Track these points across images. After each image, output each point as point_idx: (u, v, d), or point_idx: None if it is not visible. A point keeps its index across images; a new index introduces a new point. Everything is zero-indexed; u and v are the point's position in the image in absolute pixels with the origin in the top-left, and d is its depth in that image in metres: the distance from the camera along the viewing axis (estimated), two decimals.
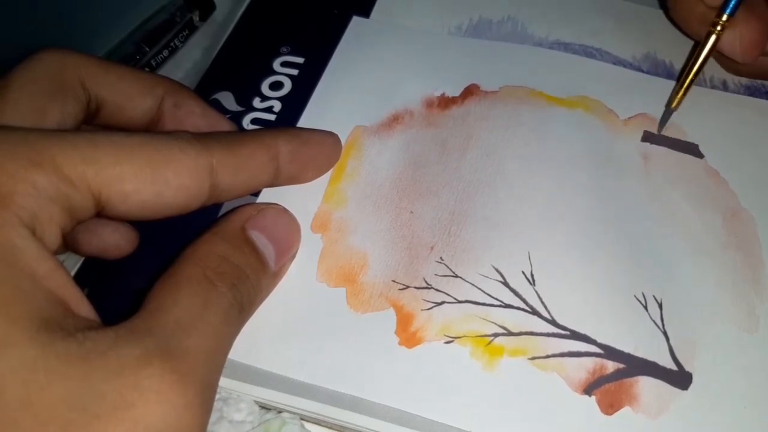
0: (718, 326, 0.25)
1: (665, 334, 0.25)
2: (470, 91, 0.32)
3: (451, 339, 0.25)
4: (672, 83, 0.31)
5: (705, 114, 0.31)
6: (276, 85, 0.33)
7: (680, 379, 0.24)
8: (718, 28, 0.28)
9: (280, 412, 0.24)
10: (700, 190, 0.28)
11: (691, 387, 0.24)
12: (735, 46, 0.28)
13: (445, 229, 0.27)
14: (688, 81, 0.28)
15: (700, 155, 0.29)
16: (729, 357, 0.24)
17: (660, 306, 0.25)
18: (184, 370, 0.18)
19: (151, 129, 0.27)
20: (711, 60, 0.31)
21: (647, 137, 0.30)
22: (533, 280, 0.26)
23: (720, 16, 0.27)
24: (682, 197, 0.28)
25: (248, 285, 0.22)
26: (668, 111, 0.30)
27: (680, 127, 0.30)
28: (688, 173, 0.29)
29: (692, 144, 0.30)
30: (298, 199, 0.28)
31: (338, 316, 0.25)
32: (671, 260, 0.26)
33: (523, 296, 0.26)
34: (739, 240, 0.27)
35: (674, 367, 0.24)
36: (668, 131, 0.30)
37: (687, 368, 0.24)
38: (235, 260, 0.22)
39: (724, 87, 0.32)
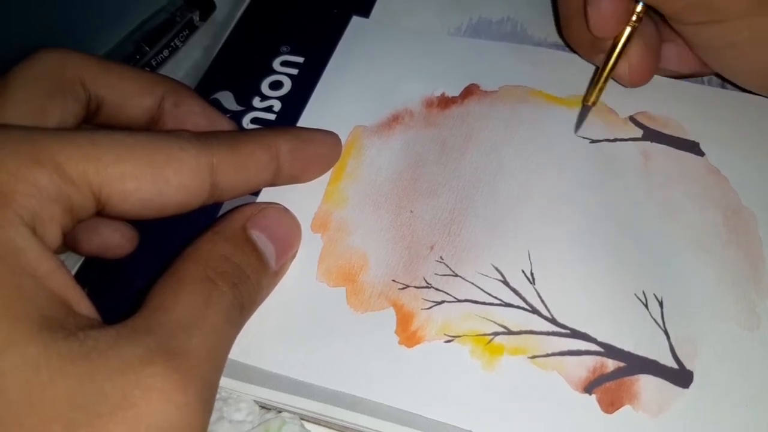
0: (719, 324, 0.25)
1: (666, 332, 0.25)
2: (470, 91, 0.32)
3: (451, 338, 0.25)
4: (673, 82, 0.31)
5: (705, 112, 0.31)
6: (276, 85, 0.33)
7: (681, 377, 0.24)
8: (633, 18, 0.27)
9: (280, 411, 0.24)
10: (700, 188, 0.28)
11: (692, 385, 0.24)
12: (624, 72, 0.29)
13: (445, 228, 0.27)
14: (603, 77, 0.28)
15: (700, 153, 0.29)
16: (730, 355, 0.24)
17: (660, 304, 0.25)
18: (186, 369, 0.18)
19: (151, 128, 0.27)
20: None
21: (647, 135, 0.30)
22: (533, 279, 0.26)
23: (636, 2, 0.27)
24: (682, 195, 0.28)
25: (249, 284, 0.22)
26: (586, 108, 0.29)
27: (680, 125, 0.30)
28: (689, 171, 0.29)
29: (692, 142, 0.30)
30: (298, 199, 0.28)
31: (338, 316, 0.25)
32: (672, 258, 0.26)
33: (523, 295, 0.26)
34: (740, 238, 0.27)
35: (675, 366, 0.24)
36: (668, 129, 0.30)
37: (688, 366, 0.24)
38: (235, 259, 0.22)
39: (722, 86, 0.32)
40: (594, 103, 0.29)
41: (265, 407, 0.24)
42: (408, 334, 0.25)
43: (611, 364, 0.24)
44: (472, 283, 0.26)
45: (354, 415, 0.23)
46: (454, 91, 0.32)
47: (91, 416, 0.16)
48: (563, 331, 0.25)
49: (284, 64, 0.33)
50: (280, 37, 0.34)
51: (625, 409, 0.23)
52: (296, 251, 0.26)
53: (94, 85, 0.25)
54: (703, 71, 0.31)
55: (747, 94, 0.31)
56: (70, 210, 0.19)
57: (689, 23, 0.27)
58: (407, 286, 0.26)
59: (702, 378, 0.24)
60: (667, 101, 0.31)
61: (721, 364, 0.24)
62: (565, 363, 0.24)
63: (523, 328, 0.25)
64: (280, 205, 0.26)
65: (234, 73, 0.33)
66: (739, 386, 0.24)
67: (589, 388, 0.24)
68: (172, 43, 0.37)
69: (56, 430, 0.16)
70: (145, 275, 0.22)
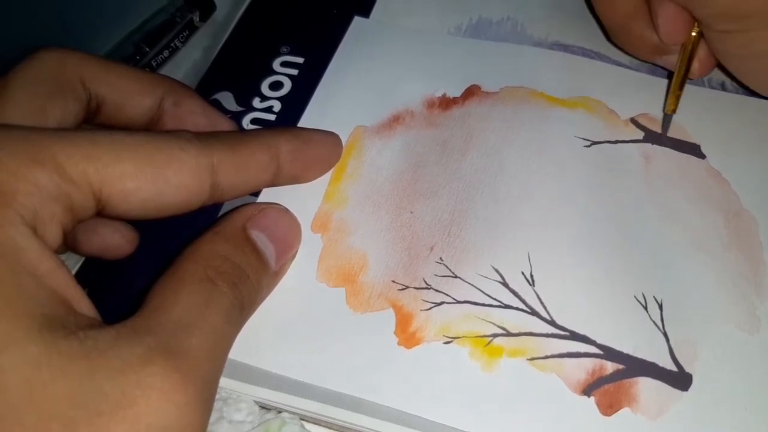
0: (719, 327, 0.25)
1: (665, 334, 0.25)
2: (471, 92, 0.32)
3: (450, 339, 0.25)
4: None
5: (706, 115, 0.31)
6: (276, 85, 0.33)
7: (680, 380, 0.24)
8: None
9: (280, 412, 0.24)
10: (701, 190, 0.28)
11: (691, 388, 0.24)
12: (693, 69, 0.30)
13: (445, 229, 0.27)
14: (679, 83, 0.29)
15: (701, 156, 0.29)
16: (730, 358, 0.24)
17: (660, 307, 0.25)
18: (186, 369, 0.18)
19: (151, 128, 0.27)
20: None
21: (648, 137, 0.30)
22: (533, 281, 0.26)
23: None
24: (683, 198, 0.28)
25: (249, 284, 0.22)
26: (667, 116, 0.30)
27: (682, 127, 0.30)
28: (690, 174, 0.29)
29: (694, 144, 0.30)
30: (299, 199, 0.28)
31: (338, 316, 0.25)
32: (672, 261, 0.27)
33: (523, 297, 0.26)
34: (741, 240, 0.27)
35: (674, 368, 0.24)
36: (670, 132, 0.30)
37: (687, 369, 0.24)
38: (236, 260, 0.22)
39: (723, 89, 0.32)
40: (674, 111, 0.30)
41: (265, 407, 0.24)
42: (407, 335, 0.25)
43: (610, 367, 0.24)
44: (472, 285, 0.26)
45: (353, 416, 0.23)
46: (455, 92, 0.32)
47: (91, 415, 0.16)
48: (562, 333, 0.25)
49: (284, 64, 0.33)
50: (280, 38, 0.34)
51: (624, 412, 0.23)
52: (296, 251, 0.26)
53: (95, 84, 0.25)
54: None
55: (749, 97, 0.31)
56: (70, 209, 0.19)
57: (717, 30, 0.27)
58: (407, 287, 0.26)
59: (701, 381, 0.24)
60: None
61: (720, 367, 0.24)
62: (564, 365, 0.24)
63: (523, 330, 0.25)
64: (281, 205, 0.26)
65: (234, 73, 0.33)
66: (739, 389, 0.24)
67: (587, 391, 0.24)
68: (172, 44, 0.37)
69: (56, 429, 0.16)
70: (145, 275, 0.22)
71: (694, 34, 0.28)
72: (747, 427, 0.23)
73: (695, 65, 0.29)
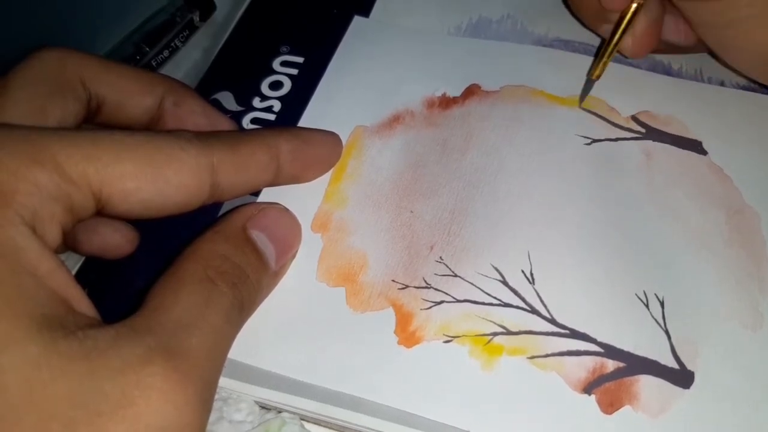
0: (721, 324, 0.25)
1: (667, 332, 0.25)
2: (471, 91, 0.32)
3: (450, 338, 0.25)
4: (675, 81, 0.32)
5: (708, 111, 0.31)
6: (276, 85, 0.33)
7: (682, 377, 0.24)
8: None
9: (280, 412, 0.24)
10: (703, 187, 0.28)
11: (693, 386, 0.24)
12: (628, 45, 0.29)
13: (445, 228, 0.27)
14: (609, 51, 0.29)
15: (703, 152, 0.29)
16: (732, 355, 0.24)
17: (662, 304, 0.25)
18: (185, 369, 0.18)
19: (151, 128, 0.27)
20: (709, 59, 0.32)
21: (649, 135, 0.30)
22: (533, 279, 0.26)
23: None
24: (684, 194, 0.28)
25: (249, 284, 0.22)
26: (590, 81, 0.30)
27: (683, 123, 0.30)
28: (691, 170, 0.29)
29: (695, 141, 0.30)
30: (299, 199, 0.28)
31: (338, 316, 0.25)
32: (673, 258, 0.26)
33: (523, 295, 0.26)
34: (743, 237, 0.27)
35: (676, 366, 0.24)
36: (670, 127, 0.30)
37: (689, 367, 0.24)
38: (236, 259, 0.22)
39: (722, 86, 0.32)
40: (598, 77, 0.30)
41: (265, 407, 0.24)
42: (407, 334, 0.25)
43: (611, 365, 0.24)
44: (472, 284, 0.26)
45: (353, 415, 0.23)
46: (455, 91, 0.32)
47: (90, 415, 0.16)
48: (563, 331, 0.25)
49: (284, 64, 0.33)
50: (280, 37, 0.34)
51: (625, 410, 0.23)
52: (296, 251, 0.26)
53: (95, 84, 0.25)
54: (697, 47, 0.31)
55: (750, 93, 0.31)
56: (70, 209, 0.19)
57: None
58: (407, 286, 0.26)
59: (703, 378, 0.24)
60: (670, 100, 0.31)
61: (723, 365, 0.24)
62: (565, 363, 0.24)
63: (523, 329, 0.25)
64: (281, 205, 0.26)
65: (234, 73, 0.33)
66: (741, 387, 0.24)
67: (588, 389, 0.24)
68: (172, 44, 0.37)
69: (56, 429, 0.16)
70: (145, 275, 0.22)
71: (635, 5, 0.28)
72: (749, 424, 0.23)
73: (628, 40, 0.29)
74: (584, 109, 0.31)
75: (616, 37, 0.29)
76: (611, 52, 0.29)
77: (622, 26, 0.28)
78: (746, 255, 0.26)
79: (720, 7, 0.26)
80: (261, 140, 0.25)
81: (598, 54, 0.30)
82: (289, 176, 0.26)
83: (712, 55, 0.30)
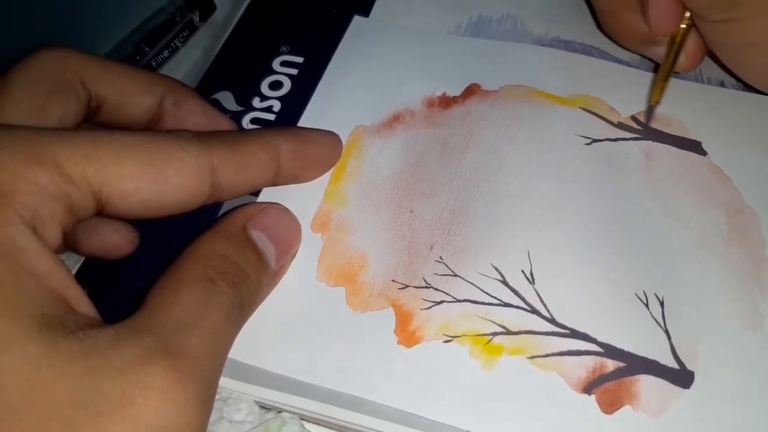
0: (721, 324, 0.25)
1: (667, 332, 0.25)
2: (471, 91, 0.32)
3: (450, 338, 0.25)
4: (675, 81, 0.31)
5: (708, 111, 0.30)
6: (275, 85, 0.33)
7: (682, 377, 0.24)
8: (687, 15, 0.28)
9: (280, 411, 0.24)
10: (702, 187, 0.28)
11: (693, 386, 0.24)
12: (681, 62, 0.30)
13: (445, 228, 0.27)
14: (665, 76, 0.29)
15: (702, 152, 0.29)
16: (732, 355, 0.24)
17: (662, 304, 0.25)
18: (186, 369, 0.18)
19: (151, 128, 0.27)
20: (708, 60, 0.32)
21: (649, 135, 0.30)
22: (533, 279, 0.26)
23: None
24: (684, 195, 0.28)
25: (249, 284, 0.22)
26: (651, 108, 0.30)
27: (683, 124, 0.30)
28: (691, 171, 0.29)
29: (695, 141, 0.30)
30: (299, 199, 0.28)
31: (338, 316, 0.25)
32: (673, 258, 0.26)
33: (523, 295, 0.26)
34: (743, 237, 0.27)
35: (676, 366, 0.24)
36: (670, 128, 0.30)
37: (689, 367, 0.24)
38: (236, 259, 0.22)
39: (722, 86, 0.32)
40: (657, 102, 0.30)
41: (265, 407, 0.24)
42: (407, 333, 0.25)
43: (611, 365, 0.24)
44: (472, 283, 0.26)
45: (353, 415, 0.23)
46: (455, 91, 0.32)
47: (91, 415, 0.16)
48: (563, 331, 0.25)
49: (284, 64, 0.33)
50: (280, 37, 0.34)
51: (625, 410, 0.23)
52: (296, 251, 0.26)
53: (95, 84, 0.25)
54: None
55: (750, 94, 0.31)
56: (70, 209, 0.19)
57: (711, 20, 0.27)
58: (407, 286, 0.26)
59: (703, 378, 0.24)
60: (670, 100, 0.31)
61: (723, 364, 0.24)
62: (565, 363, 0.24)
63: (523, 328, 0.25)
64: (281, 204, 0.26)
65: (234, 73, 0.33)
66: (741, 387, 0.24)
67: (588, 389, 0.24)
68: (172, 44, 0.37)
69: (56, 429, 0.16)
70: (145, 275, 0.22)
71: (684, 26, 0.28)
72: (749, 424, 0.23)
73: (683, 58, 0.29)
74: (584, 109, 0.31)
75: (671, 58, 0.29)
76: (668, 75, 0.29)
77: (675, 47, 0.29)
78: (746, 255, 0.26)
79: (739, 29, 0.27)
80: (261, 140, 0.25)
81: (655, 78, 0.30)
82: (289, 176, 0.26)
83: (712, 56, 0.30)
